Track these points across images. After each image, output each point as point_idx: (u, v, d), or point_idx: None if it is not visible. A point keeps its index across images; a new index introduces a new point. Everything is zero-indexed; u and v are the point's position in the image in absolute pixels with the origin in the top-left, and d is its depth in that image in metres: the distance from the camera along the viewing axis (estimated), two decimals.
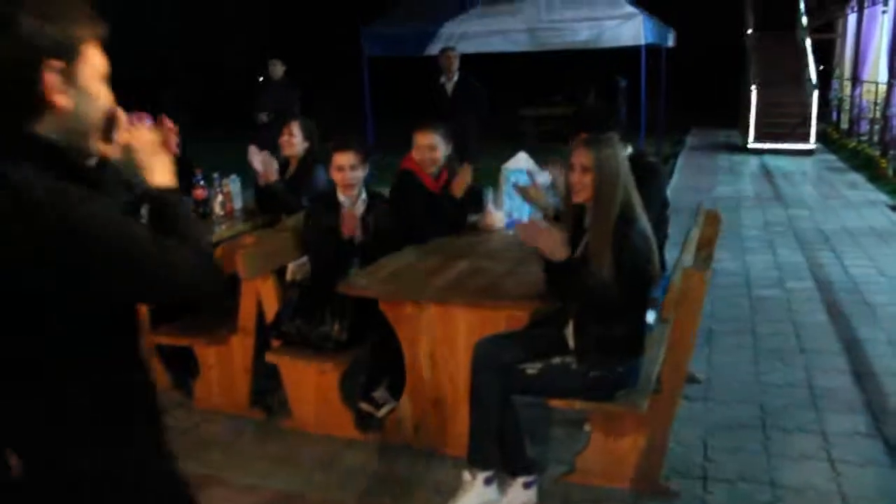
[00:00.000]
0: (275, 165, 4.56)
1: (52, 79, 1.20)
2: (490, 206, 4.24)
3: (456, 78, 7.82)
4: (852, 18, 16.14)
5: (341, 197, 3.81)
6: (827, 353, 4.46)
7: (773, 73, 15.31)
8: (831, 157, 13.51)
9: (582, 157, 2.85)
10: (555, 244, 2.74)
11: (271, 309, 3.66)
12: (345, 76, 14.10)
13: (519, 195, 3.76)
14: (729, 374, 4.17)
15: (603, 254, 2.76)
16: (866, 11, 14.32)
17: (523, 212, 4.27)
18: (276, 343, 3.65)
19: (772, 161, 13.12)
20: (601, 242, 2.78)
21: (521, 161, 4.32)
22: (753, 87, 15.04)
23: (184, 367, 4.06)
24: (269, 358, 3.61)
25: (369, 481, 3.27)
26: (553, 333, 3.01)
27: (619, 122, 3.42)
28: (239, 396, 3.90)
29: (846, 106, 15.88)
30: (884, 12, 13.62)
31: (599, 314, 2.83)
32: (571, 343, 2.93)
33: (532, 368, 2.88)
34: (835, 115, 16.86)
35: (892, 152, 11.47)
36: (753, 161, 13.30)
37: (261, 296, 3.67)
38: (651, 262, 2.79)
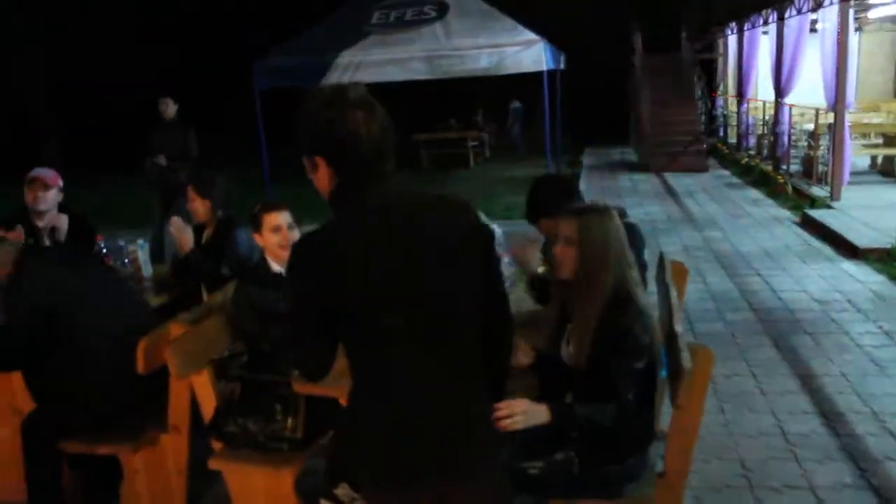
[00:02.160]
0: (189, 234, 4.10)
1: None
2: None
3: None
4: (732, 39, 16.80)
5: (276, 266, 3.40)
6: (787, 393, 4.36)
7: (664, 92, 15.74)
8: (725, 173, 13.93)
9: (565, 227, 2.57)
10: (532, 415, 2.35)
11: (208, 406, 3.20)
12: (242, 111, 13.52)
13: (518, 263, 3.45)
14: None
15: (583, 341, 2.49)
16: (746, 34, 14.91)
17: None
18: (216, 445, 3.19)
19: (671, 179, 13.39)
20: (583, 328, 2.50)
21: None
22: (644, 107, 15.42)
23: (101, 478, 3.53)
24: (213, 465, 3.14)
25: None
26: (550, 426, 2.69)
27: (579, 192, 3.16)
28: (174, 501, 3.41)
29: (732, 122, 16.49)
30: (764, 33, 14.21)
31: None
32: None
33: (533, 468, 2.56)
34: (721, 131, 17.49)
35: (783, 167, 11.89)
36: (653, 180, 13.55)
37: (195, 391, 3.21)
38: (653, 348, 2.52)
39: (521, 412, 2.31)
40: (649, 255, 3.53)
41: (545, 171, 13.30)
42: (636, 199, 11.69)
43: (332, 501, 3.25)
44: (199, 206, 4.28)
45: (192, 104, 10.64)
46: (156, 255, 6.54)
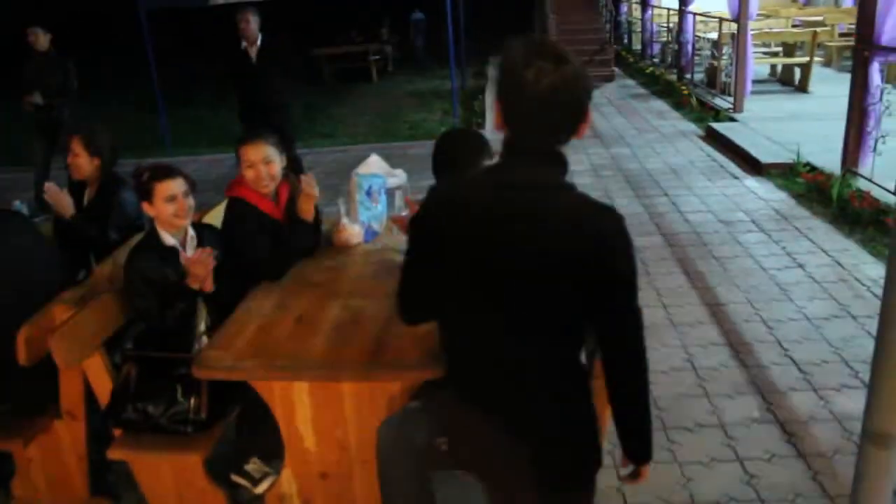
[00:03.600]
0: (67, 199, 3.76)
1: None
2: (344, 220, 3.73)
3: (259, 43, 7.03)
4: None
5: (169, 238, 3.15)
6: (697, 324, 4.44)
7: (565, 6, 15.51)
8: (631, 83, 13.95)
9: None
10: None
11: (103, 391, 2.99)
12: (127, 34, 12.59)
13: (402, 230, 3.28)
14: None
15: None
16: None
17: (381, 220, 3.81)
18: (117, 433, 3.00)
19: None
20: None
21: (374, 165, 3.82)
22: (551, 16, 15.16)
23: None
24: (114, 454, 2.96)
25: None
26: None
27: (487, 146, 2.97)
28: (75, 488, 3.23)
29: (637, 29, 16.43)
30: None
31: None
32: None
33: (445, 444, 2.47)
34: (626, 38, 17.43)
35: (687, 77, 11.96)
36: None
37: (88, 377, 2.99)
38: None
39: None
40: None
41: (449, 83, 13.05)
42: None
43: (244, 478, 3.16)
44: (86, 164, 3.90)
45: (71, 29, 9.81)
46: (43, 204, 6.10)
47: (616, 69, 14.84)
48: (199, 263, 2.99)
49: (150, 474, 3.03)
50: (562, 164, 1.87)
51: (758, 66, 11.79)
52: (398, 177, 3.83)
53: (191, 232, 3.23)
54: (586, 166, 8.11)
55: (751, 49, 10.14)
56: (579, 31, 14.96)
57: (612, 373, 1.94)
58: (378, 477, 2.46)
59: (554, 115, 1.78)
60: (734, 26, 10.10)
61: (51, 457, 3.18)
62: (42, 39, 7.44)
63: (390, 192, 3.81)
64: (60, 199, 3.71)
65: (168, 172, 3.15)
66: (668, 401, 3.68)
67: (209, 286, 3.08)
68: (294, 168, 4.95)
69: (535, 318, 1.89)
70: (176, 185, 3.11)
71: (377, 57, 17.28)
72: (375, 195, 3.70)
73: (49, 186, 3.75)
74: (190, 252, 3.17)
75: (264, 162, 3.39)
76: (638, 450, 2.04)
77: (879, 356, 2.24)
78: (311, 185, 3.45)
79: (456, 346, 2.08)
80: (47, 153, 7.43)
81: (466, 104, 12.22)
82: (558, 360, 1.97)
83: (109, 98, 13.83)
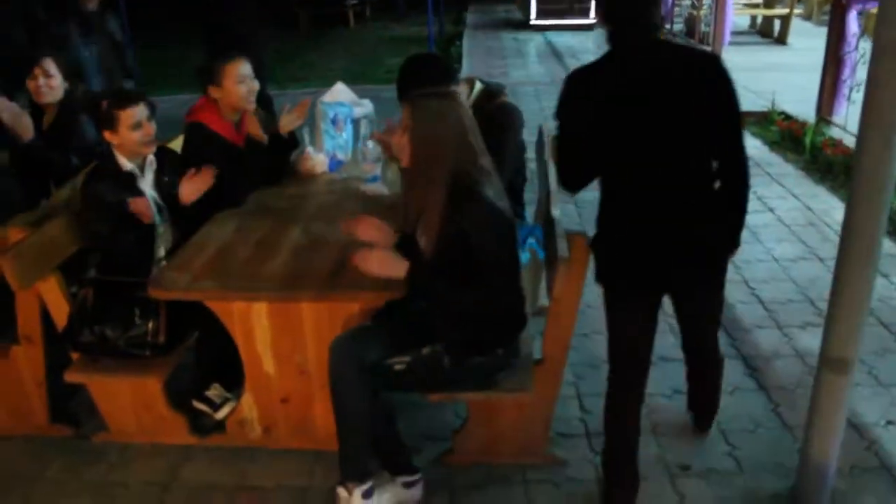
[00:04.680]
0: (27, 120, 3.64)
1: None
2: (308, 149, 3.67)
3: None
4: None
5: (126, 163, 3.07)
6: None
7: None
8: None
9: (404, 113, 2.39)
10: (388, 265, 2.37)
11: (60, 315, 2.94)
12: None
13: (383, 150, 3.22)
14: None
15: (430, 236, 2.36)
16: None
17: (346, 150, 3.74)
18: (75, 356, 2.96)
19: (556, 38, 13.18)
20: (427, 222, 2.37)
21: (339, 93, 3.74)
22: None
23: None
24: (71, 377, 2.92)
25: (229, 498, 2.79)
26: (417, 314, 2.59)
27: (453, 72, 2.90)
28: (35, 415, 3.18)
29: None
30: None
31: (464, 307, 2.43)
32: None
33: (400, 364, 2.46)
34: None
35: (667, 27, 11.85)
36: (538, 39, 13.31)
37: (44, 300, 2.93)
38: (509, 239, 2.41)
39: (379, 256, 2.36)
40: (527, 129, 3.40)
41: (426, 29, 12.87)
42: (520, 59, 11.48)
43: (204, 403, 3.14)
44: (58, 86, 3.79)
45: None
46: None
47: (597, 18, 14.64)
48: (141, 204, 2.96)
49: (109, 398, 3.01)
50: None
51: (738, 17, 11.70)
52: (364, 106, 3.76)
53: (150, 157, 3.15)
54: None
55: None
56: None
57: (729, 188, 2.35)
58: (330, 392, 2.46)
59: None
60: None
61: (9, 383, 3.13)
62: None
63: (356, 122, 3.75)
64: (20, 119, 3.59)
65: (130, 98, 3.06)
66: None
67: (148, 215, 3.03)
68: (265, 107, 4.86)
69: (685, 153, 2.26)
70: (139, 111, 3.02)
71: (355, 2, 16.95)
72: (341, 124, 3.64)
73: (7, 105, 3.61)
74: (149, 176, 3.11)
75: (250, 77, 3.37)
76: (735, 240, 2.48)
77: (837, 285, 2.26)
78: (299, 111, 3.45)
79: (623, 193, 2.34)
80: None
81: (444, 50, 12.04)
82: (703, 184, 2.34)
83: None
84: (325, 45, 13.85)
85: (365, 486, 2.56)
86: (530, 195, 3.67)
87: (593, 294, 4.00)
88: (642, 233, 2.31)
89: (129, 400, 2.99)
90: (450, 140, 2.32)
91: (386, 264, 2.37)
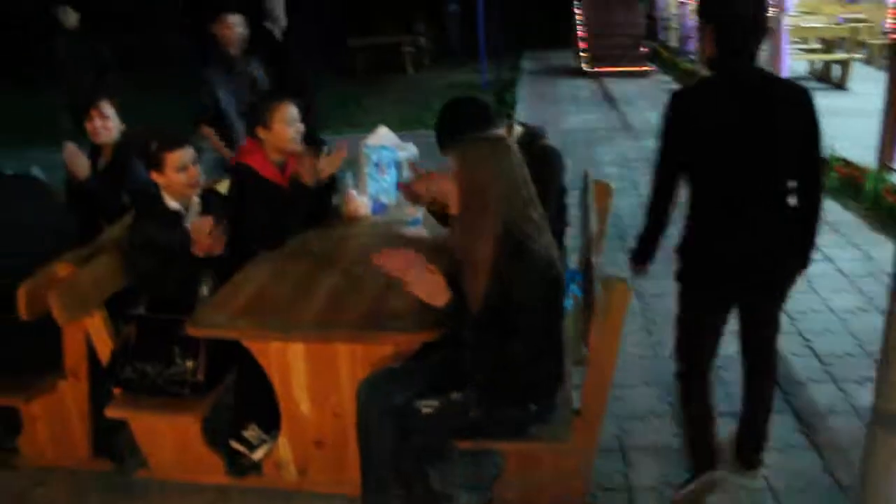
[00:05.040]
0: (84, 160, 3.78)
1: None
2: (351, 191, 3.70)
3: (284, 23, 7.00)
4: None
5: (173, 203, 3.15)
6: None
7: None
8: (666, 79, 13.72)
9: (451, 159, 2.35)
10: (429, 285, 2.31)
11: (104, 350, 2.99)
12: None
13: (407, 198, 3.21)
14: (622, 350, 3.89)
15: (476, 285, 2.31)
16: None
17: (390, 193, 3.76)
18: (116, 391, 3.00)
19: (611, 85, 13.17)
20: (474, 272, 2.32)
21: (383, 137, 3.78)
22: (585, 10, 15.01)
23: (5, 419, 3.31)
24: (112, 413, 2.96)
25: None
26: (450, 358, 2.55)
27: (495, 116, 2.89)
28: (78, 448, 3.23)
29: (674, 25, 16.19)
30: None
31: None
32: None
33: (428, 407, 2.43)
34: (661, 33, 17.19)
35: None
36: (593, 86, 13.30)
37: (90, 335, 2.99)
38: (556, 291, 2.36)
39: (421, 272, 2.31)
40: (575, 174, 3.38)
41: (480, 76, 13.00)
42: (574, 106, 11.47)
43: (241, 443, 3.13)
44: (115, 127, 3.94)
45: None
46: None
47: (652, 66, 14.63)
48: (201, 230, 2.98)
49: (149, 435, 3.03)
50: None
51: (795, 62, 11.52)
52: (407, 150, 3.78)
53: (195, 198, 3.22)
54: (614, 156, 8.00)
55: (786, 44, 9.91)
56: (616, 24, 14.78)
57: (806, 205, 2.54)
58: (356, 431, 2.44)
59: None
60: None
61: (55, 416, 3.20)
62: (71, 17, 7.50)
63: (399, 166, 3.77)
64: (77, 158, 3.73)
65: (178, 142, 3.16)
66: None
67: (217, 248, 3.07)
68: (315, 150, 4.87)
69: (772, 172, 2.48)
70: (186, 155, 3.11)
71: (411, 49, 17.24)
72: (384, 167, 3.66)
73: (68, 146, 3.76)
74: (193, 218, 3.17)
75: (295, 120, 3.45)
76: (806, 259, 2.68)
77: (890, 335, 2.15)
78: (336, 158, 3.47)
79: (710, 205, 2.54)
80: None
81: (498, 96, 12.12)
82: (782, 202, 2.54)
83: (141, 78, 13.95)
84: (381, 91, 14.08)
85: None
86: (574, 240, 3.63)
87: (639, 344, 3.97)
88: (724, 243, 2.52)
89: (168, 437, 3.01)
90: (500, 189, 2.27)
91: (428, 286, 2.31)
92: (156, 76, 14.34)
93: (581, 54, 14.78)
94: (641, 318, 4.27)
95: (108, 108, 3.91)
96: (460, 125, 2.75)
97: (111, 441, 3.25)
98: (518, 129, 3.05)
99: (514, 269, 2.24)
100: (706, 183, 2.51)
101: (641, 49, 14.56)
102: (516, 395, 2.43)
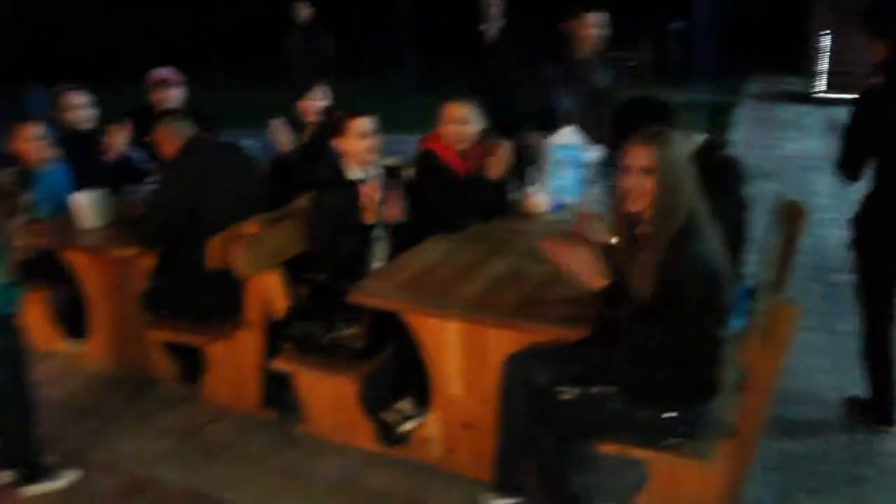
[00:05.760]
0: (288, 134, 4.12)
1: None
2: (532, 187, 3.72)
3: (499, 24, 7.11)
4: None
5: (353, 172, 3.31)
6: None
7: (847, 15, 14.19)
8: None
9: (641, 155, 2.30)
10: (586, 268, 2.32)
11: (279, 307, 3.22)
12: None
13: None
14: (805, 384, 3.62)
15: (646, 274, 2.24)
16: None
17: (573, 191, 3.73)
18: (286, 346, 3.22)
19: (841, 113, 12.17)
20: (650, 262, 2.25)
21: (568, 136, 3.76)
22: (825, 32, 14.01)
23: (191, 359, 3.67)
24: (278, 364, 3.18)
25: None
26: (599, 354, 2.50)
27: (674, 112, 2.79)
28: (249, 395, 3.52)
29: None
30: None
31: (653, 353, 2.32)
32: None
33: (568, 394, 2.41)
34: None
35: None
36: (820, 113, 12.38)
37: (267, 291, 3.24)
38: (719, 294, 2.24)
39: (580, 253, 2.35)
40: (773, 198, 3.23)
41: (704, 96, 12.50)
42: (796, 132, 10.75)
43: (393, 414, 3.25)
44: (320, 108, 4.27)
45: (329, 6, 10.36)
46: None
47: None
48: (370, 196, 3.14)
49: (310, 392, 3.24)
50: None
51: None
52: (594, 153, 3.73)
53: (374, 171, 3.36)
54: (829, 188, 7.40)
55: None
56: (853, 48, 13.66)
57: None
58: (497, 406, 2.47)
59: None
60: None
61: (232, 361, 3.50)
62: (304, 12, 8.06)
63: (585, 167, 3.73)
64: (282, 131, 4.06)
65: (361, 112, 3.33)
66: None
67: (392, 217, 3.21)
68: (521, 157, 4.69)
69: None
70: (368, 122, 3.28)
71: (633, 64, 16.93)
72: (565, 166, 3.65)
73: (275, 121, 4.11)
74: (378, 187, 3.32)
75: (461, 121, 3.51)
76: None
77: None
78: (504, 150, 3.51)
79: (889, 184, 3.08)
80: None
81: (712, 119, 11.62)
82: None
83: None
84: None
85: (508, 501, 2.55)
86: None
87: (819, 381, 3.65)
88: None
89: (327, 396, 3.19)
90: (689, 180, 2.27)
91: (587, 266, 2.33)
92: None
93: (815, 80, 13.82)
94: (829, 356, 3.94)
95: (324, 91, 4.24)
96: (642, 121, 2.68)
97: (279, 394, 3.49)
98: (700, 137, 2.92)
99: (686, 259, 2.18)
100: (887, 166, 3.05)
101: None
102: (658, 397, 2.34)
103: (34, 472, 3.01)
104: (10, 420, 2.95)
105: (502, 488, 2.67)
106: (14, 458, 3.00)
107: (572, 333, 2.51)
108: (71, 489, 3.05)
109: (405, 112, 11.05)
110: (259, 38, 14.90)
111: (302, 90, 4.35)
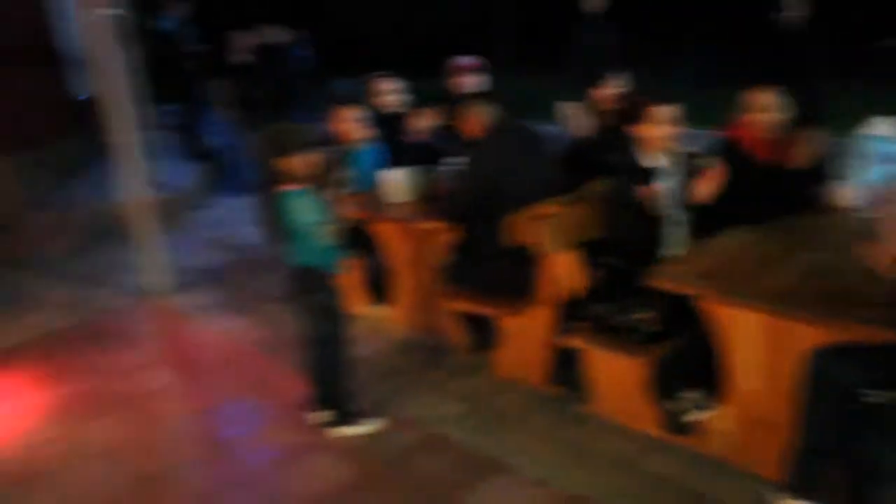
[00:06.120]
0: (585, 120, 4.21)
1: None
2: (839, 179, 3.50)
3: (800, 11, 6.66)
4: None
5: (647, 159, 3.32)
6: None
7: None
8: None
9: None
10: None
11: (574, 287, 3.34)
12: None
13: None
14: None
15: None
16: None
17: (882, 185, 3.45)
18: (580, 324, 3.34)
19: None
20: None
21: (877, 127, 3.49)
22: None
23: (483, 331, 3.92)
24: (571, 341, 3.31)
25: (678, 497, 2.88)
26: None
27: None
28: (538, 370, 3.68)
29: None
30: None
31: None
32: None
33: (875, 398, 2.27)
34: None
35: None
36: None
37: (562, 270, 3.37)
38: None
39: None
40: None
41: None
42: None
43: (681, 402, 3.24)
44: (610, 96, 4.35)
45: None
46: None
47: None
48: (648, 191, 3.17)
49: (598, 372, 3.32)
50: None
51: None
52: None
53: (666, 161, 3.36)
54: None
55: None
56: None
57: None
58: (797, 403, 2.39)
59: None
60: None
61: (523, 336, 3.68)
62: (594, 2, 8.06)
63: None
64: (579, 116, 4.17)
65: (662, 99, 3.35)
66: None
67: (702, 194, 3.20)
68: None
69: None
70: (671, 111, 3.30)
71: None
72: (874, 159, 3.41)
73: (572, 106, 4.24)
74: (660, 179, 3.32)
75: (763, 108, 3.45)
76: None
77: None
78: (812, 140, 3.38)
79: None
80: None
81: None
82: None
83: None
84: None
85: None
86: None
87: None
88: None
89: (615, 378, 3.25)
90: None
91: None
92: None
93: None
94: None
95: (618, 81, 4.33)
96: None
97: (566, 372, 3.60)
98: None
99: None
100: None
101: None
102: None
103: (345, 416, 3.41)
104: (328, 368, 3.37)
105: (797, 490, 2.57)
106: (330, 402, 3.41)
107: (888, 335, 2.36)
108: (374, 436, 3.41)
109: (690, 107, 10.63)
110: (544, 27, 15.15)
111: (594, 79, 4.44)
